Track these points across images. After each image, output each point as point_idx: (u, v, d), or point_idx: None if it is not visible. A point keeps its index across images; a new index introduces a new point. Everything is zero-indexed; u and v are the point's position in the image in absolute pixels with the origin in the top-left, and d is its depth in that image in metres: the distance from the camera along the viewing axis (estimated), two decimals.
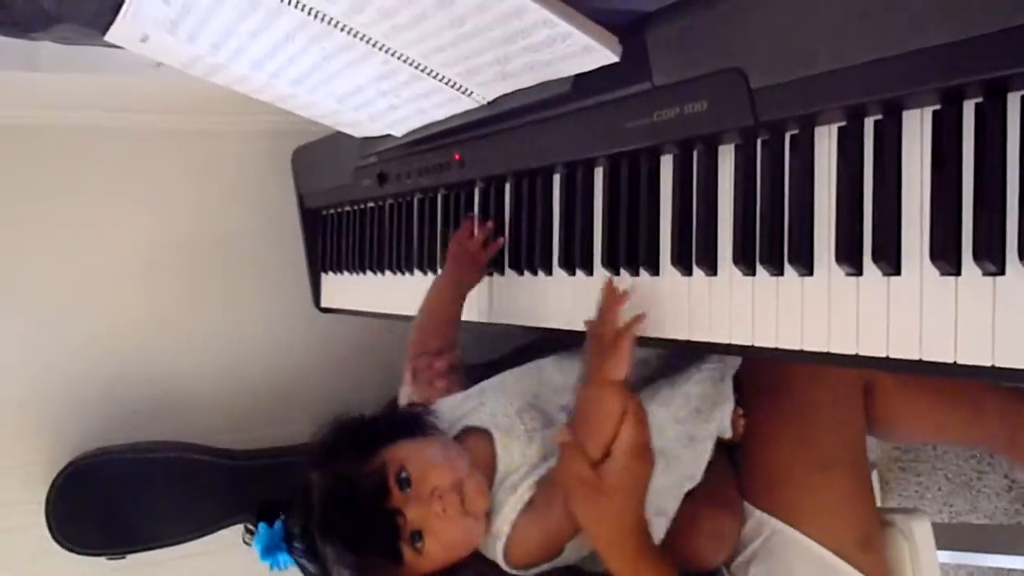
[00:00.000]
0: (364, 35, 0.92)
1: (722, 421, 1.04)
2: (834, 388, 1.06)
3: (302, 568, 0.94)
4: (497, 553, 0.94)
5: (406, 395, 1.14)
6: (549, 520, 0.92)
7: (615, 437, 0.85)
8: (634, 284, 0.95)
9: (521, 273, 1.14)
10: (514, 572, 0.95)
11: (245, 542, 0.98)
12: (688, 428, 1.03)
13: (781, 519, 1.04)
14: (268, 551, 0.96)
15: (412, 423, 0.98)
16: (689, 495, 1.00)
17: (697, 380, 1.05)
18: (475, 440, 0.99)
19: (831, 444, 1.05)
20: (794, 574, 1.02)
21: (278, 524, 0.96)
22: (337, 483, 0.91)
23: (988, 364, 0.66)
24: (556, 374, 1.11)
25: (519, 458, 0.96)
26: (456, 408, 1.04)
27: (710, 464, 1.02)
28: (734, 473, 1.11)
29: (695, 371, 1.06)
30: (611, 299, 0.92)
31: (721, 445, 1.05)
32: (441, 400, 1.07)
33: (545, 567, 0.97)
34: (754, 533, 1.06)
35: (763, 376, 1.09)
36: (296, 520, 0.94)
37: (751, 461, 1.09)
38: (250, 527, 0.96)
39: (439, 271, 1.26)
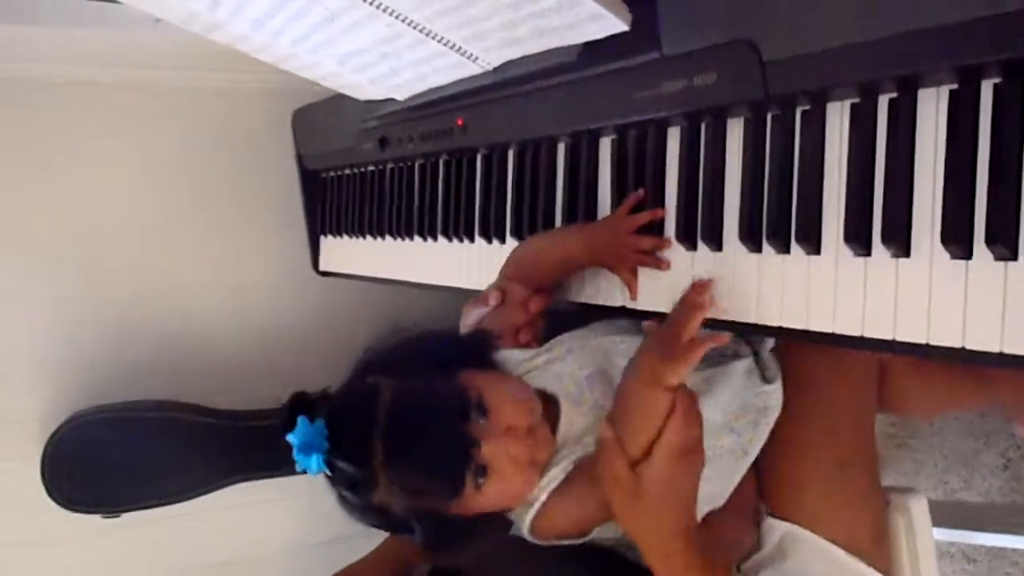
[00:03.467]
0: None
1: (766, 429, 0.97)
2: (853, 383, 1.00)
3: (334, 475, 0.84)
4: (525, 519, 0.89)
5: (476, 316, 1.03)
6: (583, 500, 0.87)
7: (659, 435, 0.78)
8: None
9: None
10: (534, 540, 0.91)
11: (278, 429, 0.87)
12: (743, 440, 0.96)
13: (794, 521, 0.98)
14: (305, 448, 0.83)
15: (487, 356, 0.93)
16: None
17: (745, 372, 0.96)
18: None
19: (851, 440, 1.00)
20: (808, 573, 0.98)
21: (319, 422, 0.83)
22: (414, 393, 0.85)
23: (996, 350, 0.64)
24: (632, 343, 0.96)
25: (580, 429, 0.90)
26: (523, 363, 0.95)
27: None
28: (754, 475, 1.02)
29: (738, 363, 0.96)
30: (696, 301, 0.81)
31: None
32: (508, 351, 0.97)
33: (567, 543, 0.92)
34: (766, 535, 1.01)
35: (792, 375, 1.00)
36: (350, 422, 0.84)
37: (768, 464, 1.01)
38: (283, 423, 0.84)
39: (451, 237, 1.24)
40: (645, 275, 0.94)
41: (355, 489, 0.84)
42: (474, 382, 0.86)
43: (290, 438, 0.83)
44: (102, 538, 1.64)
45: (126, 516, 1.63)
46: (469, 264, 1.24)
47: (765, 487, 1.02)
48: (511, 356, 0.96)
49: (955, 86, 0.67)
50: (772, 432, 0.98)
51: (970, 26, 0.62)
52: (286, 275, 1.82)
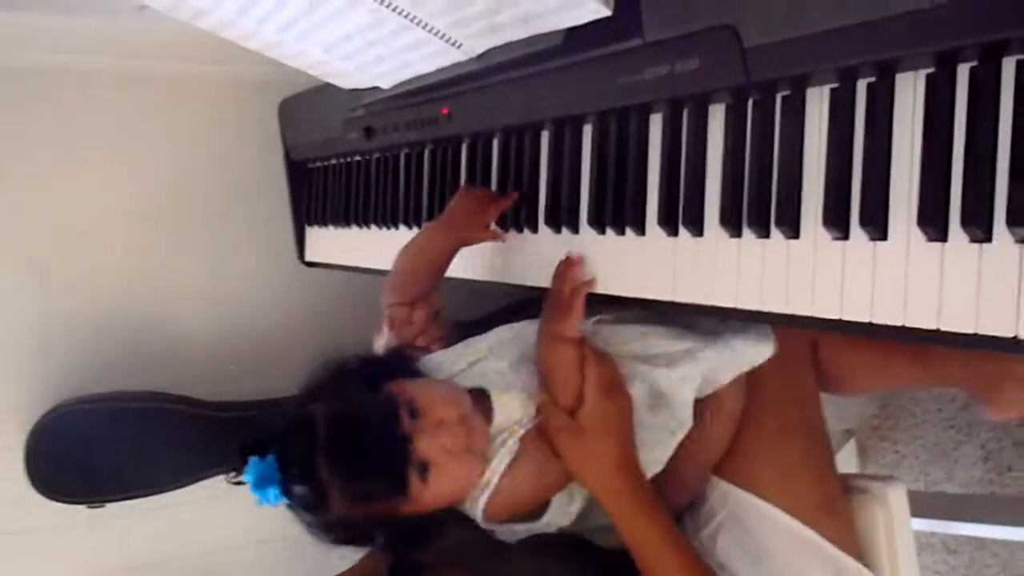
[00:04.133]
0: None
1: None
2: (783, 354, 1.03)
3: (292, 501, 0.90)
4: (479, 503, 0.93)
5: (379, 347, 1.11)
6: (533, 471, 0.94)
7: (584, 381, 0.92)
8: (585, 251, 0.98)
9: (506, 230, 1.12)
10: (488, 526, 0.95)
11: (231, 482, 0.93)
12: (671, 423, 1.00)
13: (743, 488, 1.03)
14: (261, 483, 0.89)
15: (409, 366, 0.99)
16: None
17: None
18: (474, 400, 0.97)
19: (786, 410, 1.05)
20: (759, 541, 1.02)
21: (270, 457, 0.89)
22: (346, 409, 0.90)
23: (972, 331, 0.65)
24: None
25: (514, 415, 0.96)
26: (445, 366, 1.02)
27: None
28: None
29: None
30: (567, 264, 0.97)
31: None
32: (427, 358, 1.04)
33: (522, 528, 0.98)
34: (719, 504, 1.06)
35: None
36: (294, 449, 0.89)
37: None
38: (235, 469, 0.91)
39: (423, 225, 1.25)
40: (621, 261, 0.95)
41: (312, 509, 0.89)
42: (402, 388, 0.91)
43: (245, 478, 0.90)
44: (88, 528, 1.64)
45: (111, 506, 1.62)
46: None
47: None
48: (432, 361, 1.03)
49: (932, 70, 0.67)
50: (717, 406, 1.03)
51: (946, 10, 0.63)
52: (272, 266, 1.82)
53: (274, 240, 1.79)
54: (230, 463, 1.65)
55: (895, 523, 1.07)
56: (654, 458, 0.98)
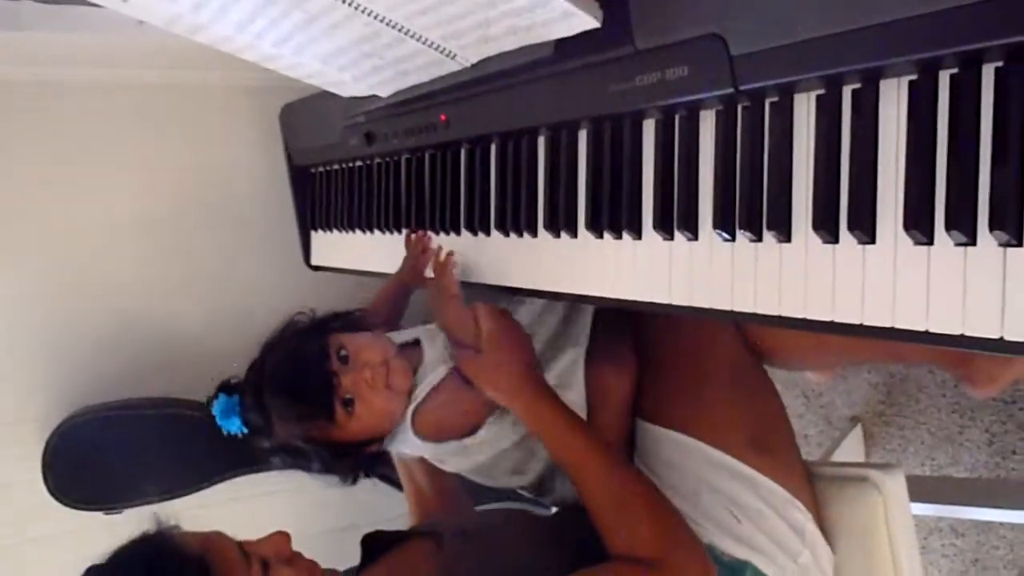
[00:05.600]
0: None
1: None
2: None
3: (248, 429, 1.12)
4: (407, 418, 1.10)
5: None
6: (452, 393, 1.10)
7: (476, 321, 1.08)
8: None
9: (507, 235, 1.14)
10: (418, 440, 1.11)
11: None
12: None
13: (675, 429, 1.11)
14: (224, 415, 1.14)
15: (352, 322, 1.18)
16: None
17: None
18: (407, 351, 1.15)
19: (706, 360, 1.13)
20: (692, 475, 1.08)
21: (235, 395, 1.14)
22: (287, 352, 1.10)
23: (958, 332, 0.67)
24: None
25: (441, 351, 1.13)
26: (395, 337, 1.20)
27: (605, 325, 1.20)
28: (629, 332, 1.22)
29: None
30: (417, 249, 1.27)
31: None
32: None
33: (456, 446, 1.12)
34: (655, 447, 1.13)
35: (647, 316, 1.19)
36: (249, 384, 1.11)
37: (645, 384, 1.18)
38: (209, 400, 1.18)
39: (439, 230, 1.29)
40: (618, 265, 0.97)
41: (262, 432, 1.09)
42: (336, 338, 1.10)
43: (214, 410, 1.15)
44: (105, 535, 1.66)
45: (128, 512, 1.65)
46: (457, 257, 1.25)
47: (641, 405, 1.18)
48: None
49: (914, 77, 0.69)
50: (644, 354, 1.19)
51: (928, 19, 0.64)
52: (278, 269, 1.84)
53: (280, 244, 1.81)
54: (244, 467, 1.69)
55: (894, 510, 1.09)
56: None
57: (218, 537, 0.93)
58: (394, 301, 1.35)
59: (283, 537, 0.97)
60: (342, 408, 1.05)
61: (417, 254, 1.31)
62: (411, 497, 1.35)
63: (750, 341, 1.16)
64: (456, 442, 1.12)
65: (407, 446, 1.13)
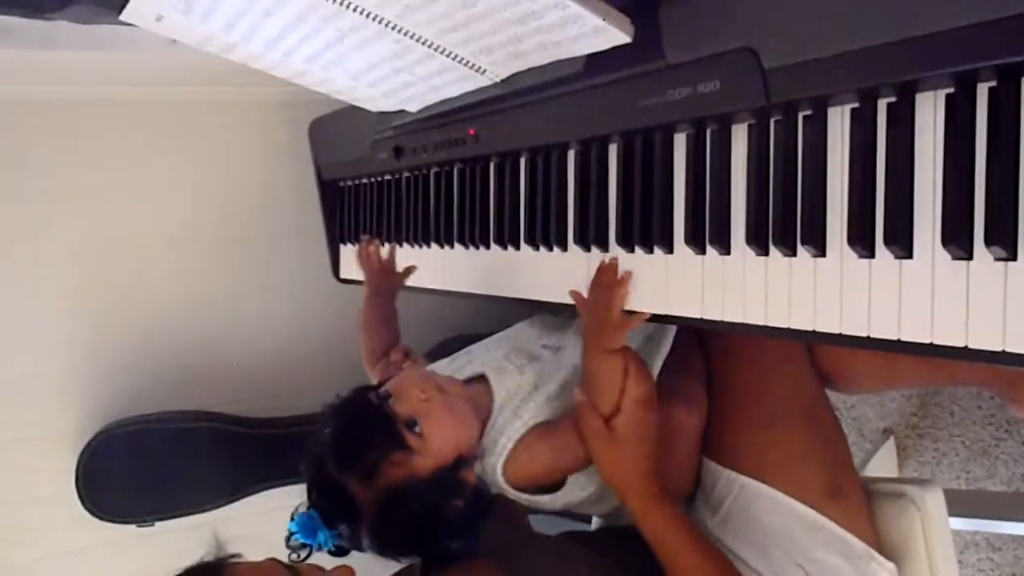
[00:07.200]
0: (375, 15, 0.92)
1: None
2: (774, 346, 1.09)
3: (336, 527, 0.98)
4: (497, 468, 1.04)
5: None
6: (553, 443, 1.04)
7: (623, 393, 0.99)
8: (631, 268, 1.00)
9: (537, 249, 1.14)
10: (509, 490, 1.05)
11: (290, 552, 0.98)
12: None
13: (746, 474, 1.07)
14: (309, 533, 0.98)
15: (380, 385, 1.07)
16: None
17: None
18: (472, 386, 1.10)
19: (778, 399, 1.09)
20: (765, 525, 1.05)
21: (310, 509, 0.99)
22: (333, 428, 0.99)
23: (999, 349, 0.66)
24: (529, 328, 1.26)
25: (513, 387, 1.09)
26: (446, 369, 1.15)
27: (679, 360, 1.15)
28: (703, 369, 1.17)
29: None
30: (612, 279, 0.99)
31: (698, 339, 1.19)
32: (430, 367, 1.18)
33: (543, 500, 1.08)
34: (725, 492, 1.09)
35: (718, 344, 1.16)
36: (313, 486, 1.00)
37: (714, 422, 1.14)
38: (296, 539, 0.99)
39: (467, 244, 1.29)
40: (651, 279, 0.97)
41: (351, 517, 0.97)
42: (374, 393, 1.02)
43: (301, 538, 0.97)
44: (138, 547, 1.68)
45: (160, 524, 1.66)
46: (486, 270, 1.26)
47: (712, 436, 1.14)
48: (435, 368, 1.17)
49: (951, 90, 0.68)
50: (714, 391, 1.15)
51: (966, 32, 0.63)
52: (308, 283, 1.85)
53: (310, 258, 1.82)
54: (275, 478, 1.70)
55: (933, 527, 1.07)
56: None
57: (271, 566, 0.87)
58: (390, 318, 1.34)
59: (348, 572, 0.90)
60: (410, 432, 0.97)
61: (385, 265, 1.34)
62: None
63: (818, 366, 1.13)
64: (542, 496, 1.08)
65: (496, 488, 1.06)
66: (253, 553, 0.97)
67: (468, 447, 1.03)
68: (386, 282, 1.36)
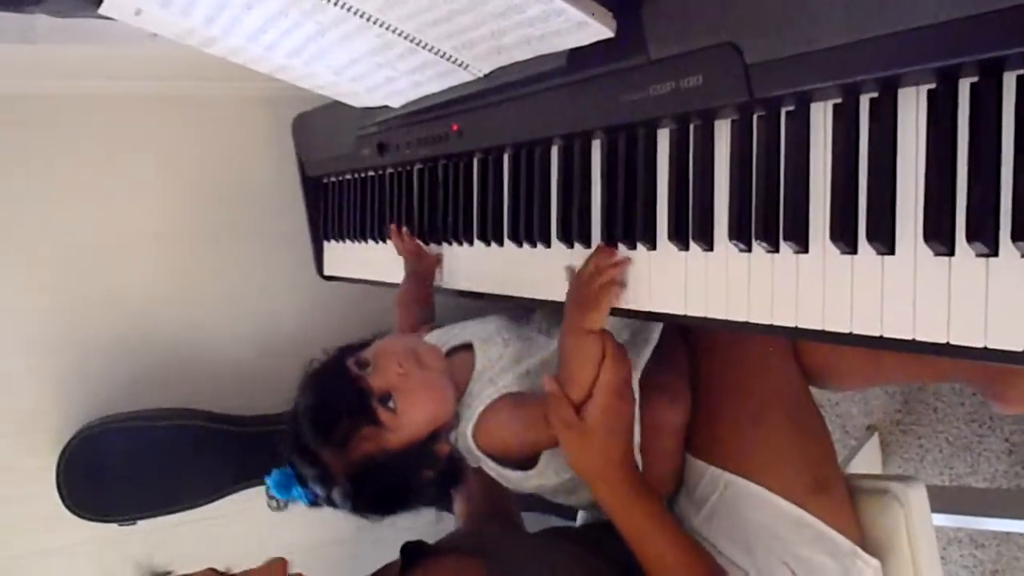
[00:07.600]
0: (357, 9, 0.91)
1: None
2: (759, 343, 1.09)
3: (310, 488, 1.04)
4: (468, 432, 1.04)
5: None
6: (522, 414, 1.03)
7: (596, 379, 0.94)
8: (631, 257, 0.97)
9: (520, 245, 1.13)
10: (481, 456, 1.05)
11: (273, 509, 1.09)
12: None
13: (732, 471, 1.07)
14: (283, 489, 1.05)
15: (367, 344, 1.10)
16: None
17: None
18: (458, 355, 1.12)
19: (763, 396, 1.08)
20: (748, 519, 1.05)
21: (285, 466, 1.06)
22: (310, 393, 1.03)
23: (981, 345, 0.66)
24: (531, 313, 1.27)
25: (495, 357, 1.10)
26: (439, 338, 1.18)
27: (662, 356, 1.13)
28: (687, 365, 1.16)
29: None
30: (607, 260, 0.96)
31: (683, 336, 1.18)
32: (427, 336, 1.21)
33: (513, 476, 1.07)
34: (710, 489, 1.09)
35: (702, 341, 1.15)
36: (288, 443, 1.04)
37: (699, 419, 1.13)
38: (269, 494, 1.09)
39: (451, 241, 1.29)
40: (643, 277, 0.96)
41: (326, 481, 1.01)
42: (354, 357, 1.04)
43: (272, 489, 1.06)
44: (119, 546, 1.67)
45: (143, 523, 1.65)
46: (469, 267, 1.25)
47: (696, 433, 1.13)
48: (431, 337, 1.20)
49: (933, 85, 0.67)
50: (698, 388, 1.13)
51: (947, 27, 0.63)
52: (291, 280, 1.84)
53: (293, 255, 1.81)
54: (258, 476, 1.69)
55: (916, 523, 1.08)
56: None
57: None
58: (417, 299, 1.32)
59: (281, 564, 0.93)
60: (382, 407, 0.98)
61: (411, 249, 1.32)
62: (460, 494, 1.31)
63: (802, 363, 1.13)
64: (512, 471, 1.07)
65: (471, 457, 1.07)
66: (239, 550, 0.98)
67: (444, 421, 1.05)
68: (419, 263, 1.33)
